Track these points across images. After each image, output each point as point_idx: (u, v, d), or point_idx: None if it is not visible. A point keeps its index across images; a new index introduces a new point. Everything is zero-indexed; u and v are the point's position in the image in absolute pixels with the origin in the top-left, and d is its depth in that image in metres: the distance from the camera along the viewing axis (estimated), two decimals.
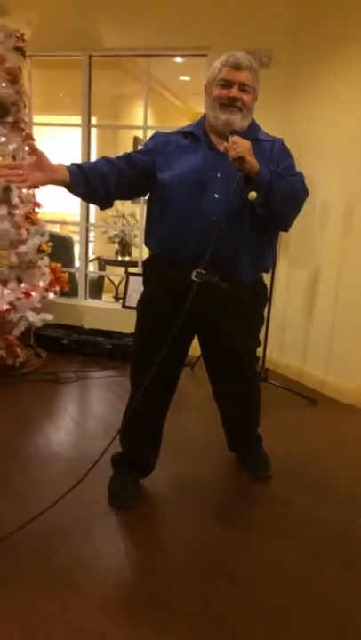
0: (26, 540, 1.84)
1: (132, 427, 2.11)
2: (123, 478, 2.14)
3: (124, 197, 2.04)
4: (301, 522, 2.07)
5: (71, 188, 1.81)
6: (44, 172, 1.71)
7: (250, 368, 2.29)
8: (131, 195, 2.06)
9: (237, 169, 1.74)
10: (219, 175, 1.87)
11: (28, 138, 3.44)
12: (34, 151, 1.73)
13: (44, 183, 1.74)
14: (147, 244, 2.06)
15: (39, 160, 1.71)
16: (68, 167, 1.79)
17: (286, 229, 2.00)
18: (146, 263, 2.09)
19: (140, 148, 2.09)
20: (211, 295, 1.88)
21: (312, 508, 2.16)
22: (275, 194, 1.78)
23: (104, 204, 1.96)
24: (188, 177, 1.87)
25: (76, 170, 1.80)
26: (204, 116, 1.99)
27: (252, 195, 1.76)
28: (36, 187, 1.70)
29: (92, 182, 1.83)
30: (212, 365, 2.22)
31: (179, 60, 4.60)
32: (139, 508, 2.08)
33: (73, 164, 1.82)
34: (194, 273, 1.82)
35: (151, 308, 2.03)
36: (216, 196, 1.85)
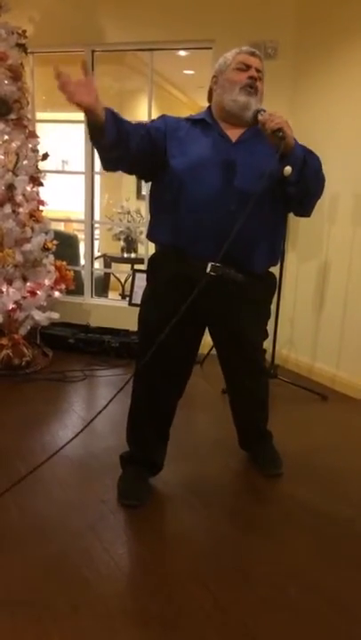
0: (36, 538, 1.84)
1: (139, 426, 2.09)
2: (132, 477, 2.12)
3: (132, 167, 1.87)
4: (313, 519, 2.04)
5: (99, 132, 1.66)
6: (89, 96, 1.59)
7: (260, 362, 2.25)
8: (138, 167, 1.90)
9: (275, 143, 1.69)
10: (233, 164, 1.82)
11: (31, 135, 3.42)
12: (86, 72, 1.64)
13: (87, 106, 1.60)
14: (153, 236, 1.99)
15: (88, 81, 1.61)
16: (105, 109, 1.67)
17: (309, 213, 1.95)
18: (153, 258, 2.02)
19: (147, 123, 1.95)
20: (224, 288, 1.85)
21: (324, 506, 2.13)
22: (308, 170, 1.75)
23: (114, 165, 1.82)
24: (202, 164, 1.82)
25: (111, 117, 1.67)
26: (209, 107, 1.97)
27: (288, 170, 1.71)
28: (80, 105, 1.57)
29: (120, 137, 1.71)
30: (225, 360, 2.18)
31: (183, 53, 4.55)
32: (148, 507, 2.05)
33: (109, 109, 1.69)
34: (209, 266, 1.78)
35: (161, 304, 1.94)
36: (232, 185, 1.80)
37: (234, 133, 1.90)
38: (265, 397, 2.34)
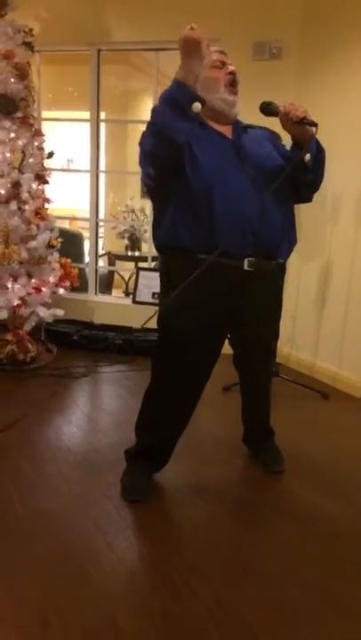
0: (39, 534, 1.85)
1: (157, 424, 2.08)
2: (136, 473, 2.13)
3: (179, 155, 1.77)
4: (314, 517, 2.05)
5: (191, 92, 1.66)
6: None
7: (274, 354, 2.36)
8: (180, 159, 1.79)
9: (299, 132, 1.79)
10: (242, 160, 1.87)
11: (37, 133, 3.44)
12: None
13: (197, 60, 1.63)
14: (175, 242, 1.87)
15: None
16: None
17: (312, 198, 2.05)
18: (177, 268, 1.89)
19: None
20: (256, 282, 1.89)
21: (325, 504, 2.14)
22: (321, 155, 1.88)
23: (181, 137, 1.71)
24: (222, 163, 1.84)
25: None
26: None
27: (308, 157, 1.81)
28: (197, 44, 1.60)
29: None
30: (249, 359, 2.21)
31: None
32: (152, 503, 2.07)
33: None
34: (246, 262, 1.84)
35: (194, 314, 1.87)
36: (250, 179, 1.84)
37: (226, 130, 1.93)
38: (269, 392, 2.37)
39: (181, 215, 1.85)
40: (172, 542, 1.89)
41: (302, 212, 3.54)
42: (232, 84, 1.91)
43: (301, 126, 1.78)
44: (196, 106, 1.66)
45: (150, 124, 1.76)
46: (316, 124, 1.78)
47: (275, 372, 3.28)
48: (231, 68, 1.92)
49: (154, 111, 1.77)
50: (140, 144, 1.83)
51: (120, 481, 2.14)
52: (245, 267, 1.85)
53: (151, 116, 1.77)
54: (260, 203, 1.81)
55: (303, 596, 1.65)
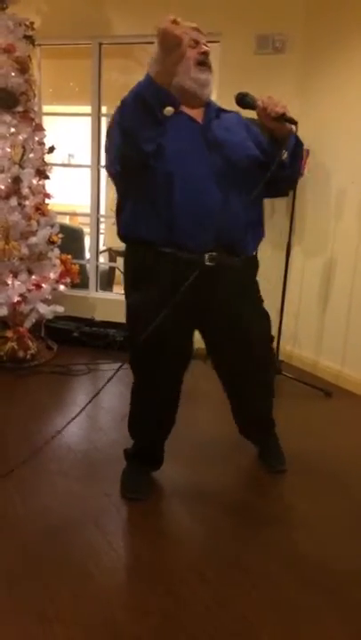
0: (39, 532, 1.84)
1: (143, 426, 2.08)
2: (135, 471, 2.12)
3: (145, 160, 1.68)
4: (316, 516, 2.04)
5: (165, 96, 1.58)
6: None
7: (266, 350, 2.13)
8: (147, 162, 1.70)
9: (277, 128, 1.69)
10: (210, 146, 1.76)
11: (38, 128, 3.41)
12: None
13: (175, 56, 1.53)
14: (134, 234, 1.81)
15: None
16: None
17: (288, 193, 2.02)
18: (141, 263, 1.84)
19: None
20: (220, 276, 1.79)
21: (327, 502, 2.13)
22: (299, 150, 1.77)
23: (152, 143, 1.64)
24: (185, 152, 1.72)
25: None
26: None
27: (285, 154, 1.71)
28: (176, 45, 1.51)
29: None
30: (226, 357, 2.04)
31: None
32: (151, 501, 2.06)
33: None
34: (207, 256, 1.74)
35: (157, 311, 1.76)
36: (216, 168, 1.74)
37: (196, 114, 1.82)
38: (270, 388, 2.24)
39: (142, 204, 1.77)
40: (170, 540, 1.88)
41: (306, 208, 3.51)
42: (203, 63, 1.78)
43: (280, 122, 1.68)
44: (169, 110, 1.57)
45: (118, 120, 1.65)
46: (295, 122, 1.69)
47: (277, 369, 3.26)
48: (205, 47, 1.78)
49: (123, 103, 1.64)
50: (109, 133, 1.73)
51: (120, 479, 2.12)
52: (206, 262, 1.74)
53: (120, 109, 1.65)
54: (223, 195, 1.72)
55: (304, 596, 1.64)
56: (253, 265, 1.99)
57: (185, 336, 1.94)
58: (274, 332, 3.40)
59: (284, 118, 1.68)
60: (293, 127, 1.71)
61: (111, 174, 1.82)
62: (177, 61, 1.55)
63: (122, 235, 1.88)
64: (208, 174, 1.73)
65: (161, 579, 1.67)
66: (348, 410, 3.09)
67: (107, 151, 1.77)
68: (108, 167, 1.80)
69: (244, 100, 1.77)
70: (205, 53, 1.78)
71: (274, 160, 1.70)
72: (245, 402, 2.20)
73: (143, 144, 1.61)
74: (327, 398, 3.19)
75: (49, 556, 1.74)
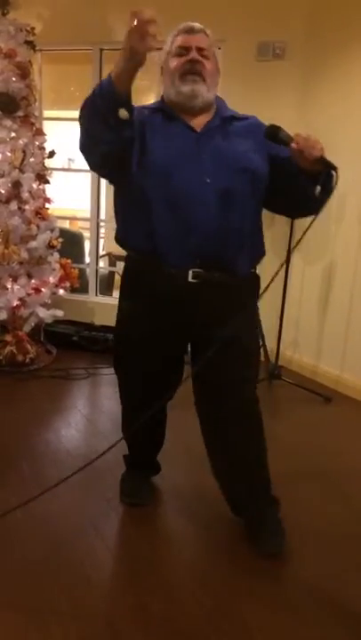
0: (37, 537, 1.83)
1: (136, 435, 2.00)
2: (134, 476, 2.12)
3: (123, 155, 1.61)
4: (316, 521, 2.03)
5: (124, 103, 1.48)
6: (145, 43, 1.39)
7: (243, 396, 1.80)
8: (123, 160, 1.62)
9: (313, 169, 1.53)
10: (204, 157, 1.62)
11: (38, 132, 3.42)
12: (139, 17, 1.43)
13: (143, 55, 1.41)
14: (123, 241, 1.78)
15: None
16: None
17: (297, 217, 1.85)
18: (127, 270, 1.81)
19: None
20: (208, 295, 1.65)
21: (327, 508, 2.12)
22: (331, 184, 1.57)
23: (120, 146, 1.56)
24: (174, 160, 1.60)
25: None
26: (162, 98, 1.75)
27: (318, 190, 1.53)
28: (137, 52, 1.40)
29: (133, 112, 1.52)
30: (209, 390, 1.79)
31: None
32: (151, 506, 2.06)
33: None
34: (190, 273, 1.62)
35: (141, 323, 1.75)
36: (208, 180, 1.60)
37: (197, 122, 1.68)
38: (262, 449, 1.86)
39: (129, 211, 1.71)
40: (170, 545, 1.88)
41: None
42: (187, 73, 1.63)
43: (317, 165, 1.53)
44: (123, 113, 1.47)
45: (80, 117, 1.58)
46: (335, 167, 1.54)
47: (277, 374, 3.26)
48: (192, 54, 1.63)
49: (85, 103, 1.56)
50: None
51: (119, 484, 2.12)
52: (189, 278, 1.62)
53: (82, 107, 1.57)
54: (212, 210, 1.59)
55: (304, 599, 1.63)
56: (249, 285, 1.77)
57: (169, 351, 1.81)
58: (273, 337, 3.46)
59: (322, 162, 1.53)
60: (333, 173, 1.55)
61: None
62: (136, 65, 1.44)
63: (115, 238, 1.83)
64: (196, 186, 1.60)
65: (160, 583, 1.67)
66: (347, 415, 3.09)
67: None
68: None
69: (276, 137, 1.58)
70: (192, 61, 1.63)
71: (304, 193, 1.56)
72: (226, 464, 1.88)
73: (99, 145, 1.55)
74: (327, 403, 3.18)
75: (48, 561, 1.73)
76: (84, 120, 1.57)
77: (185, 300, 1.66)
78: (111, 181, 1.80)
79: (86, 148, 1.61)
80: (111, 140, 1.52)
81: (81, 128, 1.59)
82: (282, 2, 3.44)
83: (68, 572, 1.69)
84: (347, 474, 2.39)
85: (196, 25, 1.67)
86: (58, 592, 1.61)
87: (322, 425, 2.94)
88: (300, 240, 1.67)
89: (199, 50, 1.64)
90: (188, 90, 1.64)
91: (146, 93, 5.92)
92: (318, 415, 3.05)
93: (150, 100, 5.65)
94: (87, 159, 1.65)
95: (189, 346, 1.85)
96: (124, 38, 1.40)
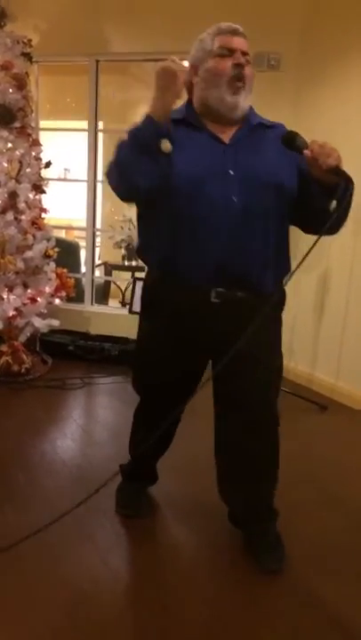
0: (32, 550, 1.81)
1: (142, 446, 1.96)
2: (131, 487, 2.09)
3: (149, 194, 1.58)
4: (312, 531, 2.03)
5: (166, 135, 1.48)
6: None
7: (274, 401, 1.81)
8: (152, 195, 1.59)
9: (327, 180, 1.46)
10: (232, 172, 1.55)
11: (35, 143, 3.43)
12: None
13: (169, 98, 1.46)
14: (146, 256, 1.76)
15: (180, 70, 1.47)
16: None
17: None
18: (149, 287, 1.79)
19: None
20: (230, 313, 1.61)
21: (323, 517, 2.12)
22: (349, 197, 1.50)
23: (158, 178, 1.51)
24: (199, 176, 1.53)
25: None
26: (189, 103, 1.68)
27: (334, 204, 1.47)
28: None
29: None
30: (229, 404, 1.78)
31: (186, 64, 4.58)
32: (147, 517, 2.04)
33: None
34: (213, 293, 1.59)
35: (163, 342, 1.73)
36: (235, 199, 1.54)
37: (224, 133, 1.61)
38: (273, 462, 1.85)
39: (152, 228, 1.68)
40: (167, 557, 1.86)
41: None
42: (238, 79, 1.55)
43: (332, 175, 1.45)
44: (166, 145, 1.44)
45: (113, 164, 1.55)
46: (350, 179, 1.46)
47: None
48: (239, 58, 1.56)
49: (119, 147, 1.54)
50: (107, 175, 1.61)
51: (115, 495, 2.10)
52: (212, 298, 1.59)
53: (115, 153, 1.55)
54: (237, 227, 1.55)
55: (303, 611, 1.62)
56: (278, 302, 1.74)
57: (190, 366, 1.79)
58: None
59: (336, 172, 1.45)
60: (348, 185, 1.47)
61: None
62: (175, 96, 1.47)
63: (137, 251, 1.80)
64: (222, 206, 1.55)
65: (158, 597, 1.65)
66: (343, 423, 3.09)
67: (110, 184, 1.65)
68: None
69: (292, 144, 1.51)
70: (239, 65, 1.55)
71: (320, 206, 1.51)
72: (235, 470, 1.86)
73: (136, 177, 1.50)
74: (322, 412, 3.19)
75: (43, 575, 1.71)
76: (119, 160, 1.54)
77: (207, 319, 1.63)
78: (137, 204, 1.74)
79: (120, 189, 1.57)
80: (150, 172, 1.49)
81: (117, 173, 1.56)
82: (277, 13, 3.48)
83: (64, 586, 1.67)
84: (343, 482, 2.39)
85: (239, 27, 1.61)
86: (54, 606, 1.59)
87: (318, 433, 2.93)
88: (305, 256, 1.58)
89: (243, 54, 1.58)
90: (234, 101, 1.57)
91: (140, 104, 5.97)
92: (314, 424, 3.05)
93: (144, 111, 5.69)
94: (121, 195, 1.61)
95: (210, 362, 1.80)
96: (156, 78, 1.49)
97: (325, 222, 1.49)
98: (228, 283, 1.59)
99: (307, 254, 1.50)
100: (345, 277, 3.32)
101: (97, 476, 2.31)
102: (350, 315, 3.30)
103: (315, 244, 1.50)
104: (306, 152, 1.47)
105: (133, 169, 1.50)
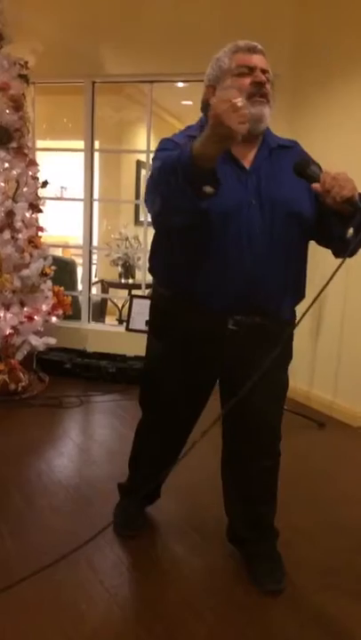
0: (30, 570, 1.79)
1: (145, 465, 2.00)
2: (129, 506, 2.07)
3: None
4: (311, 550, 2.01)
5: (212, 181, 1.36)
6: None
7: (279, 424, 1.84)
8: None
9: (342, 210, 1.42)
10: (254, 202, 1.54)
11: (31, 163, 3.47)
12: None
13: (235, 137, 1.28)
14: (163, 281, 1.74)
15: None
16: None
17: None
18: (162, 309, 1.77)
19: (162, 155, 1.54)
20: (245, 337, 1.61)
21: (322, 536, 2.10)
22: None
23: (199, 217, 1.46)
24: (224, 210, 1.49)
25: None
26: (205, 120, 1.57)
27: (350, 232, 1.43)
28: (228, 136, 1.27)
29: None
30: (235, 426, 1.77)
31: (181, 84, 4.66)
32: (145, 537, 2.02)
33: None
34: (231, 321, 1.59)
35: (176, 364, 1.73)
36: (257, 230, 1.54)
37: (245, 155, 1.58)
38: (274, 478, 1.87)
39: (173, 253, 1.64)
40: (165, 578, 1.84)
41: None
42: (258, 94, 1.52)
43: (346, 206, 1.42)
44: (209, 189, 1.36)
45: (156, 182, 1.47)
46: (358, 208, 1.40)
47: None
48: (259, 76, 1.52)
49: (161, 168, 1.44)
50: (148, 188, 1.55)
51: (113, 515, 2.08)
52: (229, 325, 1.59)
53: (159, 171, 1.45)
54: (259, 257, 1.54)
55: (301, 631, 1.60)
56: (291, 325, 1.73)
57: (199, 387, 1.79)
58: None
59: (351, 203, 1.40)
60: None
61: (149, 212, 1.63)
62: (224, 148, 1.34)
63: (151, 271, 1.79)
64: (246, 237, 1.54)
65: (156, 618, 1.63)
66: (341, 441, 3.08)
67: (146, 194, 1.58)
68: (147, 205, 1.59)
69: (303, 173, 1.47)
70: (260, 84, 1.52)
71: (337, 234, 1.50)
72: (241, 483, 1.87)
73: (176, 215, 1.47)
74: (320, 429, 3.18)
75: (39, 596, 1.69)
76: (159, 186, 1.45)
77: (222, 343, 1.63)
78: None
79: (162, 213, 1.51)
80: (191, 214, 1.43)
81: (158, 193, 1.47)
82: (271, 34, 3.53)
83: (61, 608, 1.65)
84: (341, 501, 2.38)
85: (257, 45, 1.57)
86: (51, 629, 1.56)
87: (316, 451, 2.92)
88: (325, 286, 1.54)
89: (262, 72, 1.54)
90: (257, 112, 1.51)
91: (135, 124, 6.05)
92: (312, 441, 3.04)
93: (141, 132, 5.77)
94: (154, 221, 1.60)
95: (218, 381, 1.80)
96: (212, 122, 1.28)
97: (343, 249, 1.49)
98: (246, 310, 1.59)
99: (327, 283, 1.50)
100: (340, 296, 3.33)
101: (94, 495, 2.29)
102: (346, 332, 3.31)
103: (335, 271, 1.48)
104: (315, 186, 1.44)
105: (171, 206, 1.44)
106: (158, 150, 1.61)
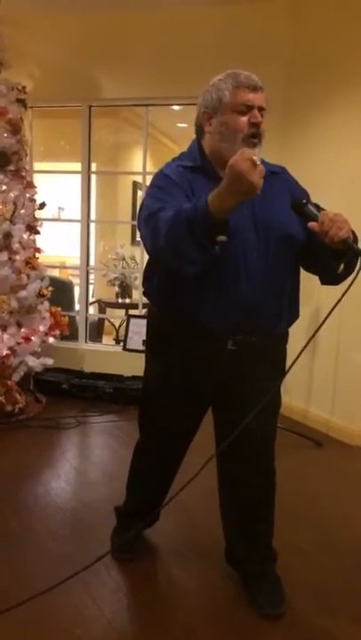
0: (26, 595, 1.76)
1: (143, 486, 2.00)
2: (126, 530, 2.04)
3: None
4: (309, 571, 1.99)
5: (224, 231, 1.41)
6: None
7: (273, 440, 1.88)
8: None
9: (340, 250, 1.48)
10: (250, 228, 1.58)
11: (29, 185, 3.50)
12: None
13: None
14: (159, 305, 1.76)
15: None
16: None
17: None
18: (162, 332, 1.78)
19: (158, 195, 1.58)
20: (243, 356, 1.65)
21: (320, 556, 2.08)
22: (355, 260, 1.50)
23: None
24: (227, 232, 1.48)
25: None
26: (198, 145, 1.68)
27: (342, 267, 1.55)
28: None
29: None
30: (229, 444, 1.70)
31: (176, 107, 4.73)
32: (142, 560, 2.00)
33: None
34: (231, 342, 1.62)
35: (175, 385, 1.75)
36: (255, 255, 1.58)
37: None
38: (271, 497, 1.88)
39: (166, 276, 1.67)
40: (164, 602, 1.82)
41: None
42: (253, 136, 1.56)
43: (341, 246, 1.47)
44: (221, 238, 1.40)
45: (164, 230, 1.46)
46: (353, 249, 1.47)
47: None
48: (257, 117, 1.56)
49: (174, 219, 1.45)
50: (144, 222, 1.57)
51: (110, 539, 2.06)
52: (229, 346, 1.63)
53: (171, 222, 1.45)
54: (256, 281, 1.58)
55: None
56: (282, 343, 1.80)
57: (197, 407, 1.82)
58: None
59: (346, 245, 1.46)
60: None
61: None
62: (241, 201, 1.39)
63: (147, 295, 1.81)
64: (242, 262, 1.57)
65: None
66: (338, 460, 3.07)
67: (138, 227, 1.64)
68: (142, 238, 1.63)
69: (302, 212, 1.54)
70: (258, 125, 1.56)
71: (327, 268, 1.61)
72: (237, 507, 1.87)
73: (185, 266, 1.49)
74: (318, 448, 3.17)
75: (36, 622, 1.67)
76: (169, 237, 1.47)
77: (220, 363, 1.65)
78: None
79: (167, 263, 1.57)
80: (202, 261, 1.47)
81: (164, 237, 1.48)
82: (263, 59, 3.61)
83: (57, 635, 1.63)
84: (339, 520, 2.36)
85: (258, 81, 1.60)
86: None
87: (313, 470, 2.91)
88: (329, 314, 1.67)
89: (260, 109, 1.58)
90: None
91: (131, 147, 6.13)
92: (310, 460, 3.03)
93: (137, 154, 5.84)
94: (161, 261, 1.62)
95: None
96: (233, 177, 1.33)
97: (331, 279, 1.66)
98: (245, 332, 1.63)
99: (330, 312, 1.65)
100: (335, 314, 3.33)
101: (92, 518, 2.27)
102: (342, 349, 3.32)
103: (338, 301, 1.63)
104: (313, 225, 1.48)
105: (184, 258, 1.47)
106: (153, 187, 1.64)
